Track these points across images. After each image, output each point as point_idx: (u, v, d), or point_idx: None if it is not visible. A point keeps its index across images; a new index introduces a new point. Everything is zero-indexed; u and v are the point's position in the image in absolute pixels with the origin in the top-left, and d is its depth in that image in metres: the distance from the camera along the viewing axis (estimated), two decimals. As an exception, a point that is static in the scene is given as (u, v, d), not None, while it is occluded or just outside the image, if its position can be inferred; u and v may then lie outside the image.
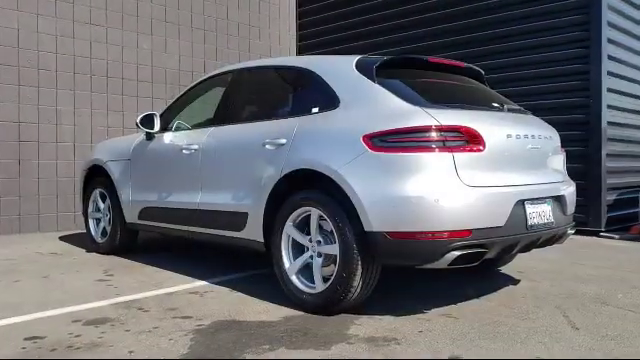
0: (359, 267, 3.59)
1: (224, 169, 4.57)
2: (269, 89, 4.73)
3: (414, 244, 3.43)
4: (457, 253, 3.41)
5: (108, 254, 6.04)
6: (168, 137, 5.25)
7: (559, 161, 4.29)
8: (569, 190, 4.24)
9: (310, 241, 3.88)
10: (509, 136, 3.72)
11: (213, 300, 4.18)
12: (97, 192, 6.15)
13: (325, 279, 3.75)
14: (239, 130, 4.57)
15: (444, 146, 3.45)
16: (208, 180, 4.71)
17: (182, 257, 5.89)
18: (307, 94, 4.23)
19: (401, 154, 3.45)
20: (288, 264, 3.99)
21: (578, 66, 7.28)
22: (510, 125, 3.82)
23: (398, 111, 3.63)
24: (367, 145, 3.53)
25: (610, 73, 7.28)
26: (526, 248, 3.93)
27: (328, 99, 3.97)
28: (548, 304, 4.03)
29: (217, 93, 5.15)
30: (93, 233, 6.23)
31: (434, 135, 3.46)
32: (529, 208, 3.76)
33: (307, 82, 4.23)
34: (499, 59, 7.90)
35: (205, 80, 5.32)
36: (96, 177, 6.17)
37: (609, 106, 7.27)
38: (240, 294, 4.34)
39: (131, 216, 5.64)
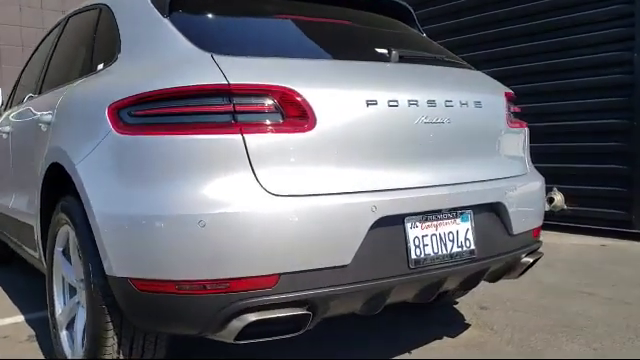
0: (111, 333, 2.11)
1: (18, 160, 3.18)
2: (74, 40, 3.26)
3: (175, 302, 1.89)
4: (252, 317, 1.88)
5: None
6: (2, 116, 3.91)
7: (506, 143, 2.57)
8: (522, 191, 2.51)
9: (77, 279, 2.42)
10: (372, 103, 2.07)
11: (-20, 356, 2.82)
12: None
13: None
14: (32, 104, 3.16)
15: (232, 123, 1.89)
16: (15, 175, 3.34)
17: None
18: (100, 42, 2.75)
19: (151, 138, 1.91)
20: (60, 310, 2.56)
21: (618, 6, 5.29)
22: (384, 84, 2.17)
23: (173, 61, 2.12)
24: (112, 123, 2.03)
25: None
26: (422, 296, 2.28)
27: (114, 47, 2.47)
28: (473, 387, 2.36)
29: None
30: (-26, 238, 5.02)
31: (214, 103, 1.90)
32: (415, 230, 2.12)
33: (102, 24, 2.75)
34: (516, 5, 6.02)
35: (47, 35, 3.90)
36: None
37: (664, 61, 5.24)
38: (34, 344, 2.97)
39: (-12, 220, 4.36)
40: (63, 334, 2.53)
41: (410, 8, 3.03)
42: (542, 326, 3.08)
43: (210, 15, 2.36)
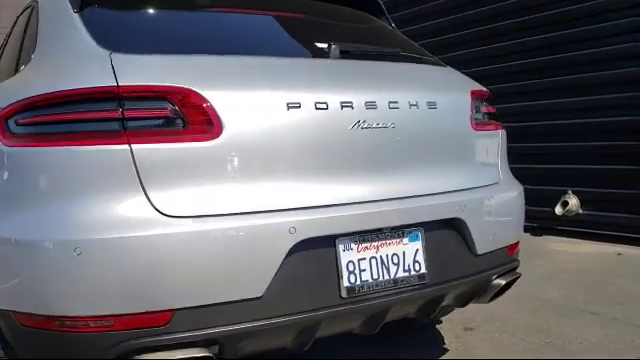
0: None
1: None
2: (13, 41, 3.01)
3: (60, 340, 1.64)
4: (144, 358, 1.58)
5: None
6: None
7: (470, 149, 2.25)
8: (490, 204, 2.18)
9: None
10: (294, 106, 1.77)
11: None
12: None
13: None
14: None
15: (119, 131, 1.62)
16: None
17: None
18: (27, 42, 2.50)
19: (31, 150, 1.67)
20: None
21: None
22: (311, 84, 1.88)
23: (72, 61, 1.88)
24: (0, 133, 1.76)
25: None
26: (365, 328, 1.97)
27: (33, 47, 2.24)
28: None
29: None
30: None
31: (99, 108, 1.64)
32: (349, 253, 1.82)
33: (31, 23, 2.50)
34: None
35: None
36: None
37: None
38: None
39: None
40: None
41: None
42: (529, 351, 2.74)
43: (123, 9, 2.10)
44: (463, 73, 2.53)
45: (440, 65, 2.43)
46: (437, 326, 3.10)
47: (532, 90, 5.53)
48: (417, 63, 2.31)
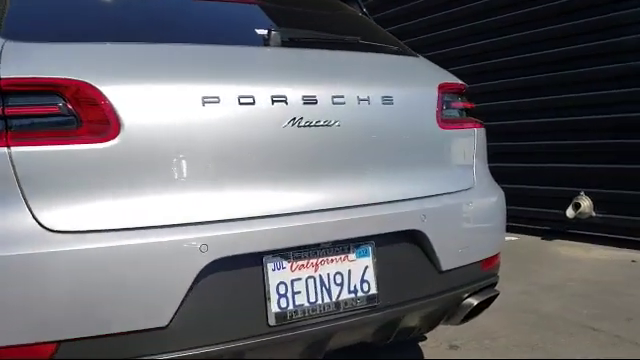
0: None
1: None
2: None
3: None
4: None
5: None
6: None
7: (435, 150, 1.96)
8: (460, 212, 1.90)
9: None
10: (211, 101, 1.51)
11: None
12: None
13: None
14: None
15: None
16: None
17: None
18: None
19: None
20: None
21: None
22: (236, 75, 1.61)
23: None
24: None
25: None
26: (307, 355, 1.70)
27: None
28: None
29: None
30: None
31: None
32: (280, 273, 1.57)
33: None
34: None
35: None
36: None
37: None
38: None
39: None
40: None
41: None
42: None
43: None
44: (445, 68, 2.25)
45: (409, 55, 2.14)
46: (420, 343, 2.82)
47: (543, 85, 5.18)
48: (378, 52, 2.03)
